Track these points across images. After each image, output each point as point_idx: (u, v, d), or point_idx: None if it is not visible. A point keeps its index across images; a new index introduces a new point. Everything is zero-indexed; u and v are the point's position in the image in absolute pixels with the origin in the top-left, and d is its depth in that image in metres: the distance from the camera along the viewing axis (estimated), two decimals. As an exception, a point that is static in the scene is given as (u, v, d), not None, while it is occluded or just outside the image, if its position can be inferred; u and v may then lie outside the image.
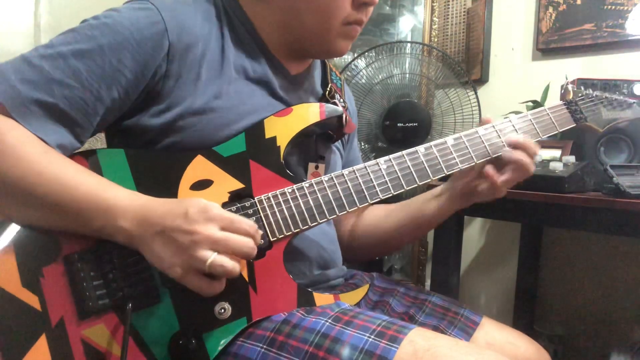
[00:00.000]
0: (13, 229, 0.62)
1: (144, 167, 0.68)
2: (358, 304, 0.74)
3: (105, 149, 0.69)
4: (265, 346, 0.62)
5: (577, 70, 1.66)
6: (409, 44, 1.70)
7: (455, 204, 0.84)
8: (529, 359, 0.80)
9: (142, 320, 0.63)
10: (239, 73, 0.75)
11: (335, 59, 1.77)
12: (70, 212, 0.60)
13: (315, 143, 0.82)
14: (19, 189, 0.60)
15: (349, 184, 0.71)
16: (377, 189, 0.72)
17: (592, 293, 1.66)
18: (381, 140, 1.68)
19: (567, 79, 1.28)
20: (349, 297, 0.72)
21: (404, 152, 0.74)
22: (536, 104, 1.56)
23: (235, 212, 0.67)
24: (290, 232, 0.68)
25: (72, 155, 0.67)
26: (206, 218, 0.59)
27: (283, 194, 0.69)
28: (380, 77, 1.66)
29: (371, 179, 0.72)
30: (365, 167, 0.72)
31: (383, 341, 0.58)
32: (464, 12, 1.92)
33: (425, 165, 0.74)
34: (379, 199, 0.73)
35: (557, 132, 0.82)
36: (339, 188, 0.71)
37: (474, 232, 1.94)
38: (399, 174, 0.73)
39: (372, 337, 0.59)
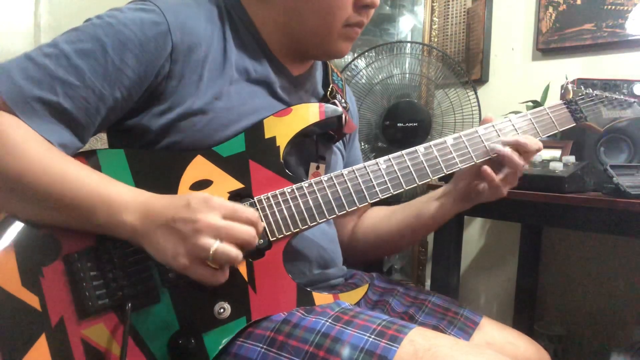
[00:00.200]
0: (14, 229, 0.62)
1: (143, 167, 0.68)
2: (358, 304, 0.74)
3: (105, 149, 0.69)
4: (265, 346, 0.62)
5: (577, 70, 1.66)
6: (409, 44, 1.70)
7: (456, 205, 0.84)
8: (529, 359, 0.80)
9: (142, 320, 0.63)
10: (240, 74, 0.75)
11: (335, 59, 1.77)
12: (73, 207, 0.60)
13: (316, 143, 0.82)
14: (23, 185, 0.60)
15: (349, 184, 0.71)
16: (377, 189, 0.72)
17: (592, 293, 1.66)
18: (381, 140, 1.68)
19: (567, 79, 1.29)
20: (349, 297, 0.72)
21: (404, 152, 0.74)
22: (536, 104, 1.56)
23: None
24: (289, 232, 0.68)
25: (73, 155, 0.67)
26: (208, 207, 0.59)
27: (282, 194, 0.69)
28: (380, 77, 1.66)
29: (371, 179, 0.72)
30: (365, 167, 0.72)
31: (383, 341, 0.58)
32: (464, 12, 1.92)
33: (425, 165, 0.74)
34: (378, 199, 0.73)
35: (557, 131, 0.82)
36: (338, 188, 0.71)
37: (474, 232, 1.94)
38: (399, 174, 0.73)
39: (373, 336, 0.59)
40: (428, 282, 1.94)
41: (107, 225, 0.61)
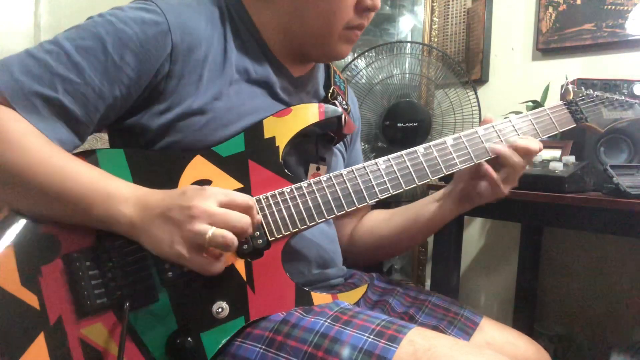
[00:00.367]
0: (14, 228, 0.62)
1: (143, 166, 0.68)
2: (357, 303, 0.74)
3: (104, 149, 0.69)
4: (264, 346, 0.62)
5: (577, 70, 1.66)
6: (409, 44, 1.70)
7: (457, 207, 0.84)
8: (529, 359, 0.80)
9: (140, 319, 0.63)
10: (240, 74, 0.75)
11: (335, 59, 1.77)
12: (72, 200, 0.61)
13: (316, 144, 0.82)
14: (22, 179, 0.60)
15: (348, 184, 0.71)
16: (376, 189, 0.72)
17: (592, 293, 1.66)
18: (381, 140, 1.68)
19: (567, 79, 1.29)
20: (348, 297, 0.72)
21: (403, 152, 0.74)
22: (536, 104, 1.56)
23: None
24: (288, 232, 0.68)
25: (70, 152, 0.67)
26: (203, 195, 0.60)
27: (281, 193, 0.69)
28: (380, 77, 1.66)
29: (370, 179, 0.72)
30: (364, 167, 0.72)
31: (382, 341, 0.58)
32: (464, 12, 1.92)
33: (425, 165, 0.74)
34: (377, 199, 0.73)
35: (557, 132, 0.82)
36: (337, 188, 0.71)
37: (474, 232, 1.94)
38: (398, 174, 0.73)
39: (372, 337, 0.59)
40: (428, 282, 1.94)
41: (105, 218, 0.61)
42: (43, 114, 0.63)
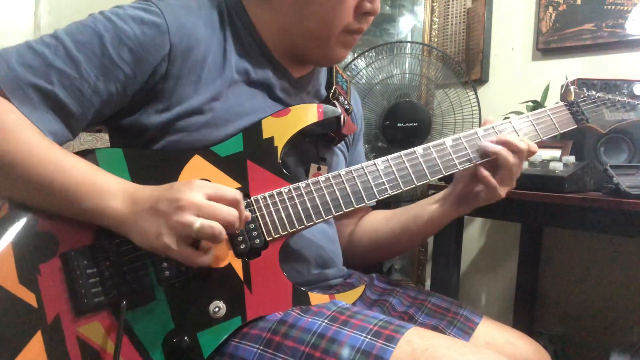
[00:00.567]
0: (12, 226, 0.62)
1: (141, 166, 0.68)
2: (355, 303, 0.74)
3: (103, 148, 0.69)
4: (261, 347, 0.62)
5: (577, 70, 1.66)
6: (409, 44, 1.69)
7: (455, 209, 0.84)
8: (529, 359, 0.80)
9: (137, 318, 0.63)
10: (240, 75, 0.75)
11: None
12: (63, 192, 0.61)
13: (317, 144, 0.82)
14: (13, 168, 0.60)
15: (346, 185, 0.71)
16: (374, 190, 0.72)
17: (592, 293, 1.66)
18: (381, 140, 1.68)
19: (567, 79, 1.28)
20: (345, 297, 0.72)
21: (402, 152, 0.74)
22: (536, 104, 1.56)
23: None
24: (286, 232, 0.68)
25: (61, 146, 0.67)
26: (191, 187, 0.60)
27: (279, 193, 0.69)
28: (380, 77, 1.66)
29: (368, 180, 0.72)
30: (363, 168, 0.72)
31: (380, 341, 0.58)
32: (464, 12, 1.92)
33: (424, 166, 0.74)
34: (376, 200, 0.73)
35: (557, 133, 0.82)
36: (335, 188, 0.71)
37: (474, 232, 1.93)
38: (397, 175, 0.73)
39: (369, 337, 0.59)
40: (428, 282, 1.94)
41: (94, 212, 0.61)
42: (37, 105, 0.63)
